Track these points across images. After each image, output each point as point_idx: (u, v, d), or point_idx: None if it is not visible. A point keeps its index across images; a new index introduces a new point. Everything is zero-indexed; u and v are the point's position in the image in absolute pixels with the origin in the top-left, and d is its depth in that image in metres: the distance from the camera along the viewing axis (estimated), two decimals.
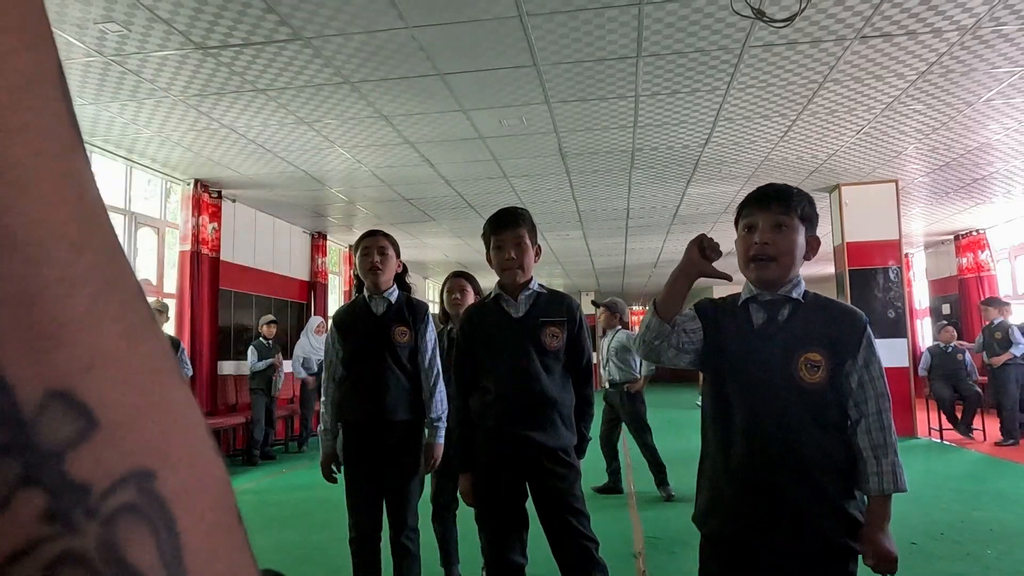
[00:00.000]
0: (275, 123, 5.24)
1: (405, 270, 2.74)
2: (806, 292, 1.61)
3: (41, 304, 0.18)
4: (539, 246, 2.28)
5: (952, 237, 10.88)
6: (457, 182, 7.11)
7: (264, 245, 8.46)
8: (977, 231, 10.33)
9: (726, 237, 9.85)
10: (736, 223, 1.67)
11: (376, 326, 2.54)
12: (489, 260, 2.26)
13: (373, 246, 2.56)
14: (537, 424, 2.10)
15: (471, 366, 2.20)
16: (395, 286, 2.65)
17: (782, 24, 3.54)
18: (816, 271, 14.60)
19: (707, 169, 6.85)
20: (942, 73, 4.59)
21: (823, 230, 9.67)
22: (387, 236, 2.63)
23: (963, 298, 10.63)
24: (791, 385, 1.51)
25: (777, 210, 1.56)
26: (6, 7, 0.18)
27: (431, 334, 2.63)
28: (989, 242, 10.29)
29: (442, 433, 2.54)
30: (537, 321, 2.16)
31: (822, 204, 8.34)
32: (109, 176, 6.12)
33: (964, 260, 10.66)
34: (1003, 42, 4.14)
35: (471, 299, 3.24)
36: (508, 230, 2.18)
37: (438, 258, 12.29)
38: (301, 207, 8.22)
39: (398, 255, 2.67)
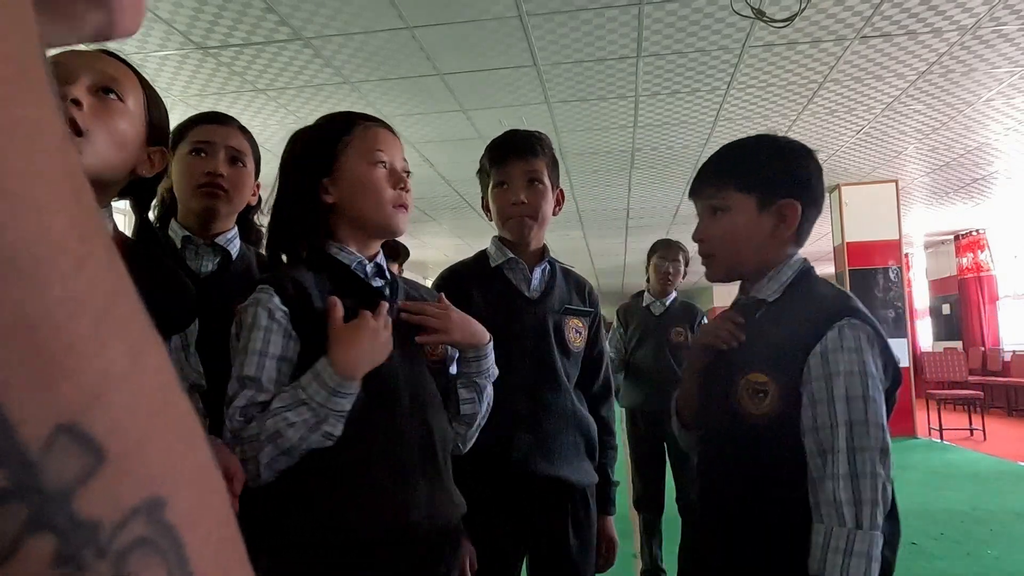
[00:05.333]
0: (275, 123, 5.24)
1: (259, 203, 1.57)
2: (797, 281, 1.20)
3: (44, 330, 0.16)
4: (562, 190, 1.61)
5: (952, 237, 10.88)
6: (457, 182, 7.11)
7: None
8: (977, 231, 10.34)
9: None
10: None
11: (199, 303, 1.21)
12: (485, 207, 1.61)
13: (219, 141, 1.39)
14: (563, 458, 1.44)
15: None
16: (235, 230, 1.48)
17: (782, 24, 3.54)
18: (816, 271, 14.59)
19: None
20: (942, 73, 4.59)
21: (823, 230, 9.69)
22: (243, 130, 1.49)
23: (963, 298, 10.64)
24: (733, 419, 1.12)
25: None
26: None
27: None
28: (989, 242, 10.30)
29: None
30: (558, 307, 1.53)
31: None
32: None
33: (964, 260, 10.66)
34: (1003, 42, 4.14)
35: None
36: (519, 159, 1.52)
37: (438, 258, 12.29)
38: None
39: (258, 171, 1.50)
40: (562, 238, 10.49)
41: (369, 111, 5.25)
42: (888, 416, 1.06)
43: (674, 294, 3.41)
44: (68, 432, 0.16)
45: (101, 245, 0.19)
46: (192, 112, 5.27)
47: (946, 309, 11.37)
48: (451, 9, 3.62)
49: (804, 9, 3.52)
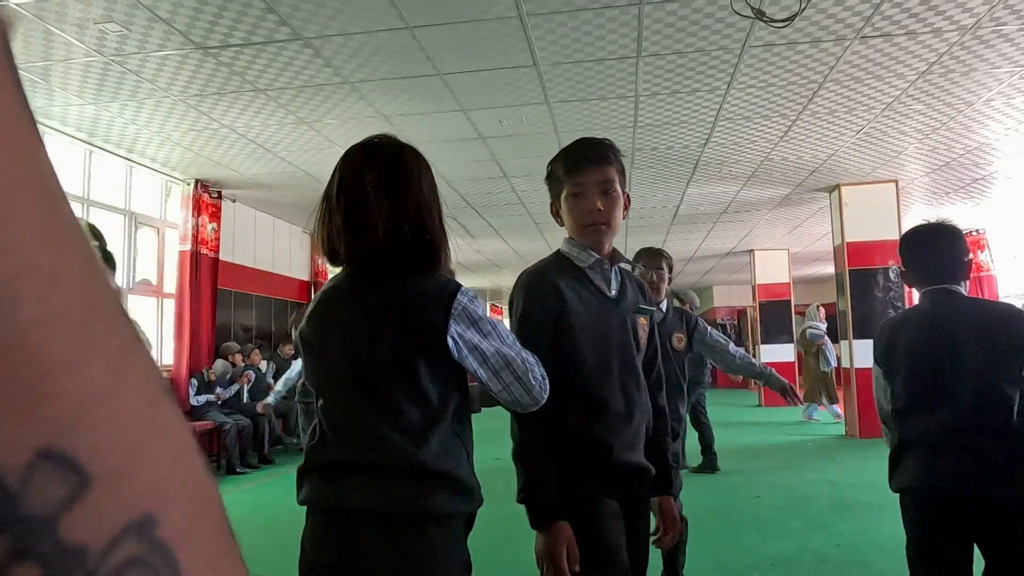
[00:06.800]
0: (275, 123, 5.24)
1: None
2: None
3: (18, 353, 0.16)
4: (628, 195, 1.64)
5: None
6: (457, 182, 7.11)
7: (264, 245, 8.46)
8: (977, 231, 10.34)
9: (725, 237, 9.94)
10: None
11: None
12: (555, 213, 1.66)
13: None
14: (640, 447, 1.57)
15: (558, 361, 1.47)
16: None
17: (782, 24, 3.54)
18: (816, 271, 14.62)
19: (707, 169, 6.85)
20: (942, 73, 4.59)
21: (823, 229, 9.71)
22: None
23: None
24: None
25: None
26: None
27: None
28: (989, 242, 10.30)
29: None
30: (632, 306, 1.62)
31: (822, 204, 8.37)
32: (109, 176, 6.12)
33: None
34: (1003, 42, 4.14)
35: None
36: (594, 167, 1.54)
37: None
38: (301, 207, 8.22)
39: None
40: (562, 238, 10.48)
41: (369, 111, 5.26)
42: (898, 373, 1.91)
43: (665, 301, 3.36)
44: (49, 457, 0.16)
45: (78, 257, 0.18)
46: (192, 111, 5.24)
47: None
48: (451, 9, 3.62)
49: (804, 9, 3.52)
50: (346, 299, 1.26)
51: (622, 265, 1.66)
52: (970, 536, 1.75)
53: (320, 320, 1.26)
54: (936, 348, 1.81)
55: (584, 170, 1.55)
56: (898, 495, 1.89)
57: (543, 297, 1.50)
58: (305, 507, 1.23)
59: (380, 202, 1.21)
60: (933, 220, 1.94)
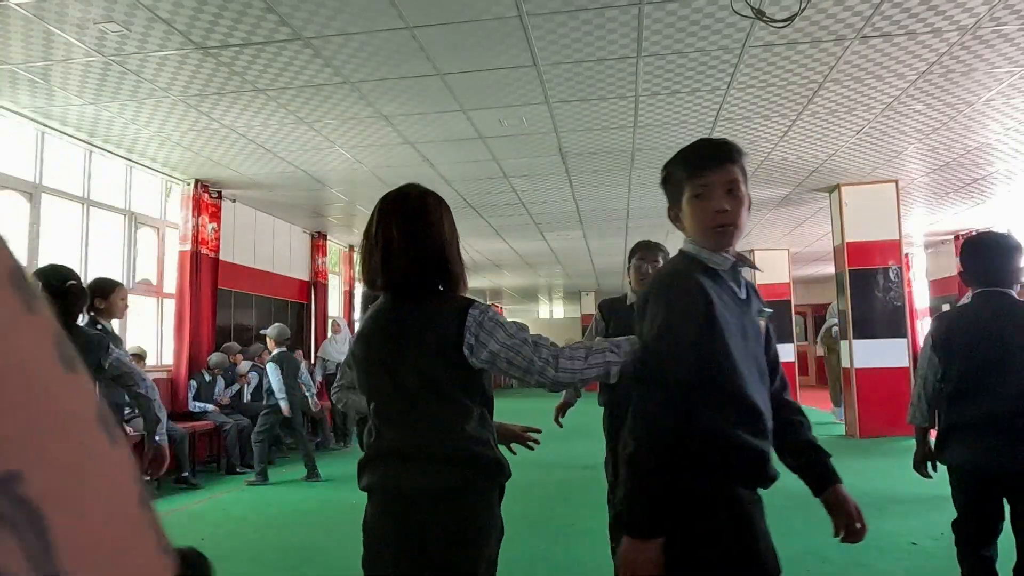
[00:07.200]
0: (275, 123, 5.24)
1: None
2: None
3: None
4: (750, 196, 1.55)
5: (952, 237, 10.88)
6: (457, 182, 7.12)
7: (264, 245, 8.46)
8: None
9: None
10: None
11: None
12: (674, 217, 1.58)
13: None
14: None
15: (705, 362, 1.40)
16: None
17: (782, 24, 3.54)
18: (816, 271, 14.62)
19: None
20: (942, 73, 4.59)
21: (823, 230, 9.72)
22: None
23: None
24: None
25: None
26: None
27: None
28: None
29: None
30: (756, 308, 1.57)
31: (822, 204, 8.37)
32: (109, 176, 6.12)
33: None
34: (1003, 42, 4.14)
35: None
36: (718, 167, 1.47)
37: None
38: (301, 207, 8.22)
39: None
40: (562, 238, 10.49)
41: (369, 111, 5.24)
42: (952, 362, 2.24)
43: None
44: None
45: None
46: (192, 111, 5.23)
47: (946, 309, 11.36)
48: (451, 9, 3.62)
49: (804, 9, 3.52)
50: (383, 320, 1.55)
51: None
52: (1002, 497, 2.18)
53: (365, 338, 1.57)
54: (987, 343, 2.13)
55: (708, 171, 1.48)
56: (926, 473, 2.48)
57: (691, 297, 1.41)
58: (366, 492, 1.50)
59: (410, 238, 1.50)
60: (995, 231, 2.38)
